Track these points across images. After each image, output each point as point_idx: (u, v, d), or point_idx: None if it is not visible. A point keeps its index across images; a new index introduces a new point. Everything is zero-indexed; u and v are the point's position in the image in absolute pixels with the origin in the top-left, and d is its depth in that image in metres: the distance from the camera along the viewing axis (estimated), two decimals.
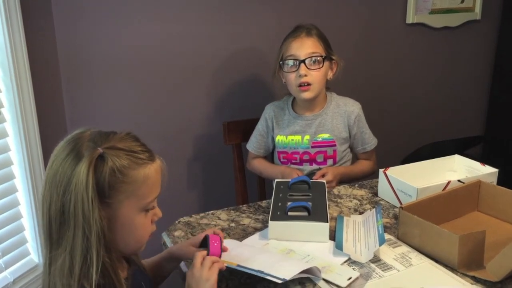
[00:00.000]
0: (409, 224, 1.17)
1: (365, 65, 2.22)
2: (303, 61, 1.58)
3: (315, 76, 1.59)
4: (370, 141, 1.73)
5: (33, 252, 1.60)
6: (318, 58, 1.59)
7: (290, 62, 1.61)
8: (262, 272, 1.00)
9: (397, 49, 2.29)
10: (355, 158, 1.78)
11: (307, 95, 1.61)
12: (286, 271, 1.00)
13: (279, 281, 0.98)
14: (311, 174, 1.64)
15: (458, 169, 1.52)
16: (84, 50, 1.73)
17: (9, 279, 1.50)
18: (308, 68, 1.58)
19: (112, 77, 1.80)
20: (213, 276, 0.93)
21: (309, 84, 1.59)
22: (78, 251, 0.81)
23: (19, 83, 1.47)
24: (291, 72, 1.61)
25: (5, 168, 1.49)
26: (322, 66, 1.61)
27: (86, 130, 0.88)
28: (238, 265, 1.01)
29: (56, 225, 0.83)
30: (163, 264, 1.12)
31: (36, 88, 1.53)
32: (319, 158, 1.69)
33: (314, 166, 1.68)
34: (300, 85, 1.60)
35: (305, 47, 1.59)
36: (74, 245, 0.81)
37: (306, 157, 1.69)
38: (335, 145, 1.68)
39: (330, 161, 1.69)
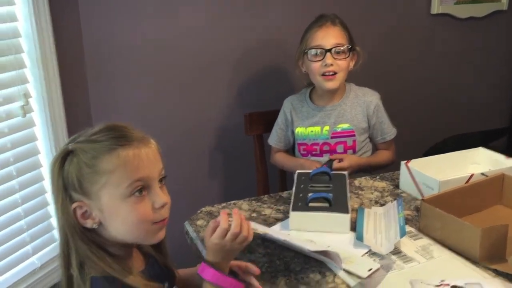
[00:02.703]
0: (430, 217, 1.17)
1: (388, 55, 2.20)
2: (329, 50, 1.58)
3: (341, 65, 1.60)
4: (389, 131, 1.72)
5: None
6: (344, 48, 1.60)
7: (316, 51, 1.60)
8: (287, 242, 1.03)
9: (421, 39, 2.26)
10: (375, 149, 1.78)
11: (332, 84, 1.61)
12: (311, 247, 1.03)
13: (304, 251, 1.03)
14: (329, 162, 1.63)
15: (482, 161, 1.50)
16: (108, 42, 1.76)
17: (36, 264, 1.55)
18: (334, 58, 1.59)
19: (135, 69, 1.82)
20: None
21: (334, 74, 1.60)
22: (61, 239, 0.89)
23: (46, 73, 1.50)
24: (316, 61, 1.61)
25: (32, 157, 1.53)
26: (347, 56, 1.61)
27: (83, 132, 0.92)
28: (265, 234, 1.01)
29: (55, 215, 0.90)
30: (195, 276, 1.06)
31: (62, 78, 1.56)
32: (339, 149, 1.69)
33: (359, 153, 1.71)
34: (324, 74, 1.60)
35: (331, 36, 1.59)
36: (60, 233, 0.89)
37: (326, 148, 1.69)
38: (354, 135, 1.68)
39: (350, 152, 1.69)
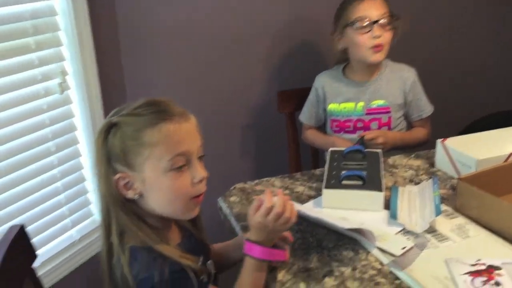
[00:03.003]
0: (467, 196, 1.15)
1: (424, 28, 2.14)
2: (376, 21, 1.55)
3: (387, 37, 1.57)
4: (426, 107, 1.69)
5: (96, 212, 1.69)
6: (390, 20, 1.57)
7: (362, 24, 1.56)
8: (321, 219, 1.03)
9: (461, 11, 2.19)
10: (410, 127, 1.75)
11: (379, 57, 1.58)
12: (344, 224, 1.04)
13: (337, 229, 1.05)
14: (361, 139, 1.61)
15: None
16: (142, 19, 1.77)
17: (75, 237, 1.60)
18: (382, 29, 1.56)
19: (168, 46, 1.83)
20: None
21: (381, 46, 1.57)
22: (103, 208, 0.92)
23: (82, 51, 1.52)
24: (363, 34, 1.57)
25: (70, 133, 1.56)
26: (393, 27, 1.58)
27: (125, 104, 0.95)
28: (299, 211, 1.01)
29: (95, 182, 0.94)
30: (229, 251, 1.12)
31: (98, 55, 1.59)
32: (374, 126, 1.66)
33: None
34: (372, 47, 1.57)
35: (376, 7, 1.56)
36: (101, 203, 0.92)
37: (359, 124, 1.67)
38: (390, 112, 1.65)
39: (384, 129, 1.66)
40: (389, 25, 1.57)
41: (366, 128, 1.67)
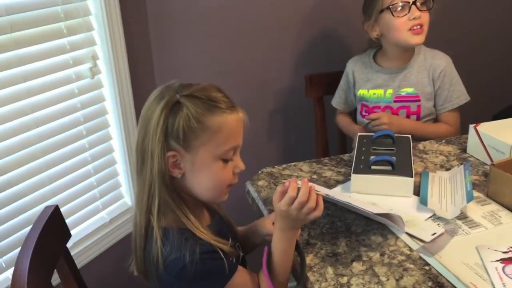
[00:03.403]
0: (500, 182, 1.12)
1: (460, 11, 2.08)
2: (414, 2, 1.51)
3: (426, 17, 1.53)
4: (454, 99, 1.61)
5: (126, 195, 1.73)
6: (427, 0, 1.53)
7: (399, 6, 1.52)
8: (349, 204, 1.03)
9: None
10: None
11: (419, 38, 1.54)
12: (373, 209, 1.03)
13: (366, 214, 1.04)
14: (367, 124, 1.59)
15: None
16: (171, 4, 1.77)
17: (106, 219, 1.64)
18: (420, 10, 1.52)
19: (197, 30, 1.83)
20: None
21: (421, 26, 1.52)
22: (147, 184, 0.91)
23: (112, 36, 1.54)
24: (400, 17, 1.53)
25: (101, 117, 1.59)
26: (431, 7, 1.54)
27: (175, 82, 0.94)
28: (327, 195, 1.01)
29: (139, 158, 0.93)
30: (249, 235, 1.13)
31: (127, 40, 1.60)
32: (402, 114, 1.63)
33: (405, 115, 1.64)
34: (411, 29, 1.53)
35: None
36: (145, 178, 0.92)
37: (387, 111, 1.64)
38: (419, 100, 1.61)
39: (413, 117, 1.63)
40: (426, 5, 1.53)
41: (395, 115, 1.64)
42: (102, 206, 1.63)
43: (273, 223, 0.99)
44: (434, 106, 1.65)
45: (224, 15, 1.84)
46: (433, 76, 1.61)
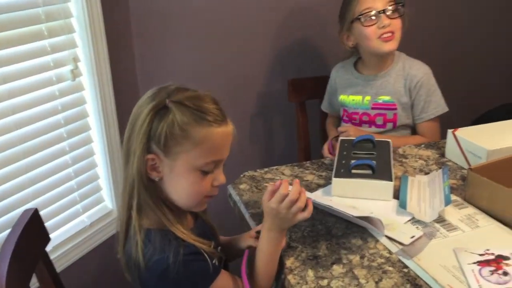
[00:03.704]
0: (477, 186, 1.14)
1: (434, 17, 2.12)
2: (383, 11, 1.53)
3: (397, 24, 1.54)
4: (430, 110, 1.60)
5: (107, 198, 1.71)
6: (398, 6, 1.54)
7: (368, 15, 1.54)
8: (330, 207, 1.04)
9: (472, 4, 2.16)
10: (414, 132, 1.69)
11: (391, 45, 1.55)
12: (354, 213, 1.04)
13: (346, 217, 1.06)
14: (335, 138, 1.62)
15: None
16: (154, 4, 1.77)
17: (86, 223, 1.62)
18: (389, 18, 1.53)
19: (179, 33, 1.83)
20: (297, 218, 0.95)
21: (392, 34, 1.54)
22: (129, 181, 0.92)
23: (94, 38, 1.53)
24: (370, 25, 1.54)
25: (81, 120, 1.58)
26: (402, 14, 1.55)
27: (173, 84, 0.94)
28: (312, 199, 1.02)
29: (125, 154, 0.93)
30: (229, 247, 1.13)
31: (109, 42, 1.59)
32: (379, 121, 1.65)
33: (373, 129, 1.65)
34: (381, 37, 1.54)
35: None
36: (127, 175, 0.93)
37: (365, 118, 1.67)
38: (396, 109, 1.62)
39: (389, 125, 1.65)
40: (397, 12, 1.54)
41: (372, 122, 1.66)
42: (82, 209, 1.62)
43: (256, 235, 1.00)
44: (412, 116, 1.66)
45: (208, 19, 1.84)
46: (409, 86, 1.61)
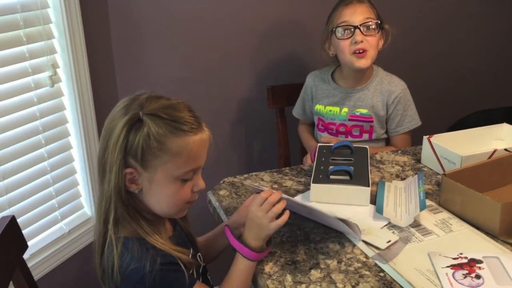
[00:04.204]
0: (451, 191, 1.17)
1: (409, 28, 2.16)
2: (358, 27, 1.55)
3: (371, 42, 1.55)
4: (405, 123, 1.65)
5: (86, 205, 1.70)
6: (373, 24, 1.56)
7: (344, 29, 1.56)
8: (310, 208, 1.07)
9: (444, 11, 2.21)
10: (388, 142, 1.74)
11: (363, 62, 1.56)
12: (331, 214, 1.06)
13: (325, 220, 1.08)
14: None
15: (505, 137, 1.49)
16: (133, 11, 1.77)
17: (64, 230, 1.61)
18: (364, 34, 1.55)
19: (159, 40, 1.83)
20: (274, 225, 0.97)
21: (364, 51, 1.55)
22: (105, 196, 0.91)
23: (73, 44, 1.52)
24: (345, 39, 1.57)
25: (60, 126, 1.57)
26: (378, 32, 1.57)
27: (144, 93, 0.94)
28: (287, 198, 1.03)
29: (100, 169, 0.93)
30: (218, 239, 1.14)
31: (88, 49, 1.59)
32: (355, 132, 1.68)
33: (350, 139, 1.67)
34: (355, 52, 1.56)
35: (359, 12, 1.55)
36: (103, 189, 0.92)
37: (342, 129, 1.69)
38: (372, 121, 1.66)
39: (366, 136, 1.68)
40: (373, 30, 1.56)
41: (348, 132, 1.69)
42: (60, 216, 1.60)
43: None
44: (386, 128, 1.70)
45: (186, 25, 1.85)
46: (387, 101, 1.64)
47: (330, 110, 1.70)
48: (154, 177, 0.90)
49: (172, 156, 0.89)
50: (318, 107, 1.73)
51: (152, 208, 0.95)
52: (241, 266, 0.97)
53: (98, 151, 0.94)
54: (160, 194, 0.92)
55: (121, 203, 0.91)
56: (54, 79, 1.51)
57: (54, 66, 1.50)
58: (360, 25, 1.55)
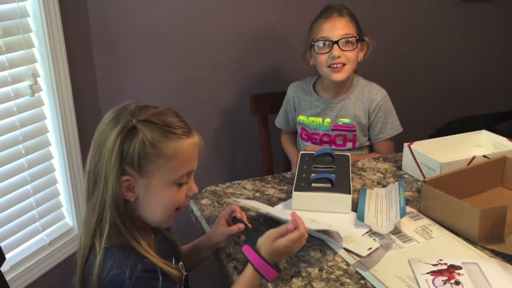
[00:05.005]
0: (431, 198, 1.18)
1: (391, 36, 2.19)
2: (336, 42, 1.56)
3: (349, 56, 1.57)
4: (387, 130, 1.68)
5: (67, 215, 1.68)
6: (352, 39, 1.57)
7: (323, 43, 1.58)
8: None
9: (425, 22, 2.25)
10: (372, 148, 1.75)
11: (339, 76, 1.59)
12: (313, 226, 1.06)
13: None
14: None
15: (484, 144, 1.51)
16: (114, 22, 1.77)
17: (45, 241, 1.59)
18: (342, 50, 1.56)
19: (141, 48, 1.83)
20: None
21: (343, 65, 1.57)
22: (97, 207, 0.91)
23: (54, 53, 1.51)
24: (323, 53, 1.58)
25: (41, 136, 1.55)
26: (356, 47, 1.59)
27: (132, 104, 0.95)
28: (268, 213, 1.05)
29: (91, 182, 0.92)
30: (199, 248, 1.14)
31: (69, 58, 1.58)
32: (339, 141, 1.70)
33: (333, 148, 1.69)
34: (331, 66, 1.58)
35: (338, 28, 1.57)
36: (95, 201, 0.91)
37: (325, 138, 1.71)
38: (355, 130, 1.68)
39: (349, 144, 1.70)
40: (351, 45, 1.58)
41: (332, 142, 1.70)
42: (41, 227, 1.58)
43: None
44: (369, 135, 1.72)
45: (168, 32, 1.85)
46: (368, 109, 1.67)
47: (313, 121, 1.71)
48: (151, 182, 0.91)
49: (168, 160, 0.91)
50: (301, 118, 1.74)
51: (144, 216, 0.95)
52: (256, 282, 0.95)
53: (88, 165, 0.93)
54: (156, 200, 0.93)
55: (117, 213, 0.90)
56: (34, 89, 1.49)
57: (35, 75, 1.49)
58: (339, 40, 1.56)
